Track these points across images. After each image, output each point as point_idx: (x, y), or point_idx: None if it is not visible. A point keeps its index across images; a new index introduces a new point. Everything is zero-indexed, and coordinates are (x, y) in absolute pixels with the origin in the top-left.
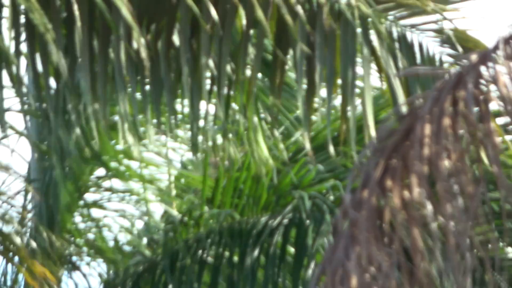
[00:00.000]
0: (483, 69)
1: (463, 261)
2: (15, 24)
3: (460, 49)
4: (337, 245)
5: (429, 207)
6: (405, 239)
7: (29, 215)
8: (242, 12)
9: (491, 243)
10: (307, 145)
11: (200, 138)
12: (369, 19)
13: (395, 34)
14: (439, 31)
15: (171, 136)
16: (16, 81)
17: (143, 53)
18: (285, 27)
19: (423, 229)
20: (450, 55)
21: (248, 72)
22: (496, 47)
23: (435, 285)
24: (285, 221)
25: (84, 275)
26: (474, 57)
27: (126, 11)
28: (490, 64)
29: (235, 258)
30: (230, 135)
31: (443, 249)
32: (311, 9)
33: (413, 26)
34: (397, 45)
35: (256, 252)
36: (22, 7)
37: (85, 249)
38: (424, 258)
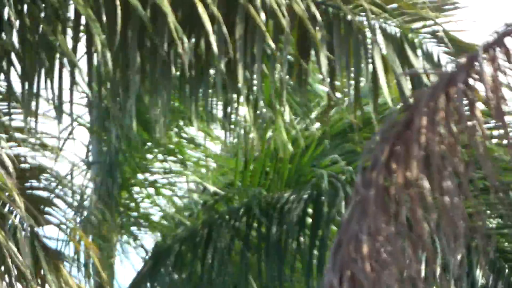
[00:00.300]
0: (471, 69)
1: (456, 230)
2: (76, 29)
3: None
4: (351, 218)
5: (427, 184)
6: (407, 212)
7: (89, 192)
8: (271, 23)
9: (479, 214)
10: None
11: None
12: (377, 26)
13: (399, 37)
14: (436, 35)
15: (211, 127)
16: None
17: (184, 55)
18: (306, 35)
19: (422, 203)
20: (446, 53)
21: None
22: (484, 49)
23: (433, 250)
24: (305, 196)
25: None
26: (463, 59)
27: (172, 19)
28: (476, 65)
29: (262, 229)
30: (257, 126)
31: (439, 220)
32: (328, 19)
33: (414, 30)
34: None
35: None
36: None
37: (139, 220)
38: (423, 228)
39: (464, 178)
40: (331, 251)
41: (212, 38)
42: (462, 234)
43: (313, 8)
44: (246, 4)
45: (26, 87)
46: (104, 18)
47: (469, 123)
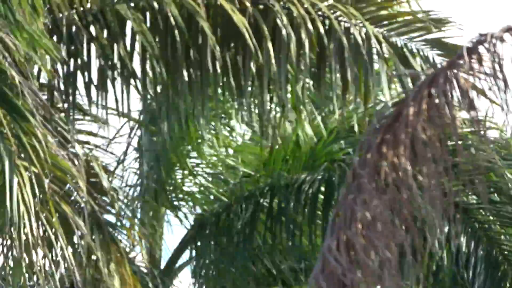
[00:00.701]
0: (452, 70)
1: (437, 204)
2: (132, 43)
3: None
4: (348, 193)
5: (409, 167)
6: (395, 189)
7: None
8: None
9: (457, 192)
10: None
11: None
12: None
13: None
14: (431, 42)
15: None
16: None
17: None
18: (323, 45)
19: (408, 183)
20: (439, 55)
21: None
22: (460, 56)
23: (416, 220)
24: (318, 177)
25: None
26: (444, 63)
27: (213, 39)
28: (455, 68)
29: (282, 204)
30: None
31: (422, 196)
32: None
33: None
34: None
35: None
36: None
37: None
38: (408, 203)
39: (444, 162)
40: (330, 220)
41: (249, 51)
42: (440, 209)
43: (336, 25)
44: (275, 21)
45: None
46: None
47: (448, 115)
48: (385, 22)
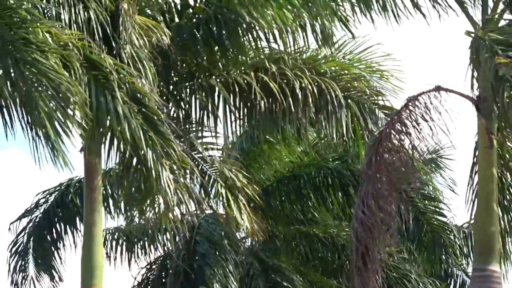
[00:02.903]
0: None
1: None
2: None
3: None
4: (363, 184)
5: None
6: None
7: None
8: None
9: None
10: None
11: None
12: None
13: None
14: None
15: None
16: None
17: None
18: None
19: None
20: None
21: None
22: (405, 105)
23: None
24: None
25: None
26: (398, 108)
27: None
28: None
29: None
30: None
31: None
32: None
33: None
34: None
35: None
36: None
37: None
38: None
39: (408, 162)
40: (358, 194)
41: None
42: (406, 200)
43: (326, 91)
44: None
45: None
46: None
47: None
48: (353, 91)
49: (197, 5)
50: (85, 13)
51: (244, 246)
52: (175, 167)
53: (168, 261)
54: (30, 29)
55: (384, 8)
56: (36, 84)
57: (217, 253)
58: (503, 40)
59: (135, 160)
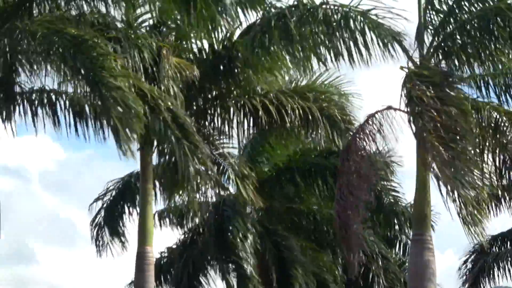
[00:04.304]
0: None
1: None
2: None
3: None
4: (339, 176)
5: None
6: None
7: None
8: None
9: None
10: None
11: None
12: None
13: None
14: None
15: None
16: None
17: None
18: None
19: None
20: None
21: None
22: (365, 121)
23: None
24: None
25: None
26: (361, 123)
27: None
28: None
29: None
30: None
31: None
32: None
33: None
34: None
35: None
36: None
37: None
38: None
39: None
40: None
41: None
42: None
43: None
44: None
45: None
46: None
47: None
48: (327, 110)
49: (220, 48)
50: (139, 54)
51: (252, 217)
52: (202, 167)
53: (201, 225)
54: (104, 60)
55: (350, 54)
56: (111, 100)
57: (238, 216)
58: (426, 76)
59: (173, 159)
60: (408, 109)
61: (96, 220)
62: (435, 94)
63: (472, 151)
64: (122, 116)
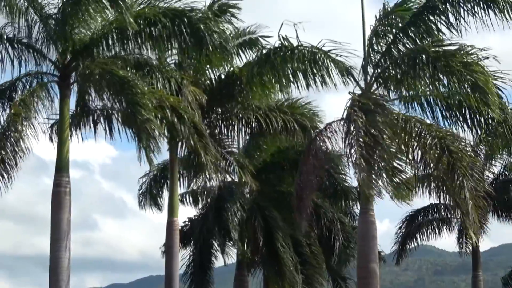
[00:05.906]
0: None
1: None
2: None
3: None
4: (301, 165)
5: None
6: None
7: None
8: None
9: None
10: None
11: None
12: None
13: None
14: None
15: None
16: None
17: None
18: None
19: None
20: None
21: None
22: (324, 128)
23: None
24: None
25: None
26: (320, 129)
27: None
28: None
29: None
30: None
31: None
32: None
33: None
34: None
35: None
36: None
37: None
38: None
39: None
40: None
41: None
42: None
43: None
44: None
45: None
46: None
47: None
48: (299, 121)
49: (224, 79)
50: (169, 83)
51: (248, 197)
52: (212, 159)
53: (210, 204)
54: (141, 98)
55: (315, 83)
56: (143, 126)
57: (232, 198)
58: (366, 103)
59: (192, 155)
60: (345, 127)
61: (140, 195)
62: (368, 118)
63: (391, 156)
64: (148, 137)
